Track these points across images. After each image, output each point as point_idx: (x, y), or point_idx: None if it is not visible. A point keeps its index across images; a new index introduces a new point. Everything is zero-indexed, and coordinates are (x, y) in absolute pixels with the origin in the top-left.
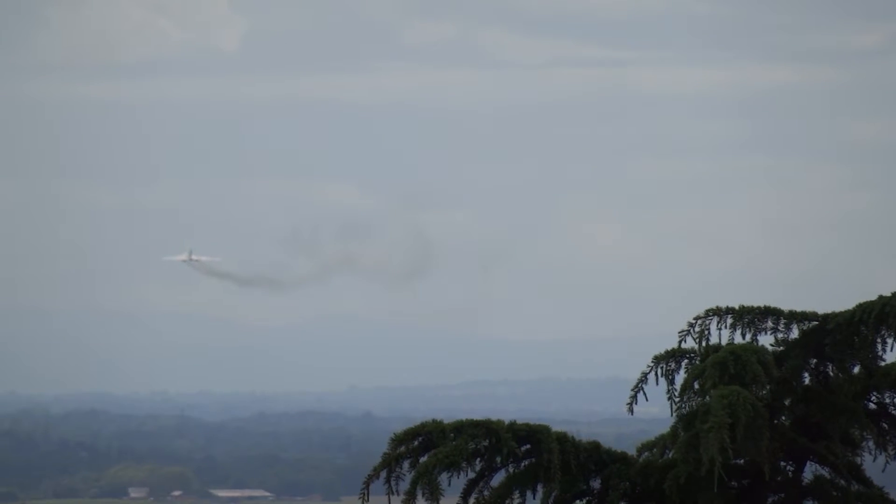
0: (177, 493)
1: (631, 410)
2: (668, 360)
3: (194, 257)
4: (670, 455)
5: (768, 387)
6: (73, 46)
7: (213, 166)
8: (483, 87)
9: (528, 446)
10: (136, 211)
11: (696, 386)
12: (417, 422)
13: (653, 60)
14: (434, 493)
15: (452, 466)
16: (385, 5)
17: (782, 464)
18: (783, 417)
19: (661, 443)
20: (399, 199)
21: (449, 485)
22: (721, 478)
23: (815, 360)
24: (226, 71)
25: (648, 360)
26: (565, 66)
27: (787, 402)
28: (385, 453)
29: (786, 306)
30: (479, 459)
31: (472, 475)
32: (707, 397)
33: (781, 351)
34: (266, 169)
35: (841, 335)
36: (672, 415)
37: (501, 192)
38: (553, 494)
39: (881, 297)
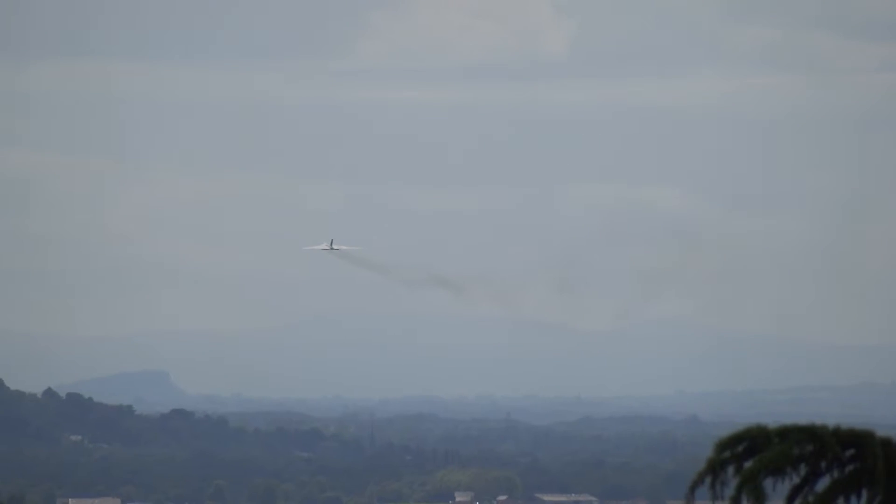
0: (502, 497)
1: None
2: None
3: (335, 246)
4: None
5: None
6: (395, 51)
7: (527, 170)
8: (806, 92)
9: (853, 451)
10: (450, 213)
11: None
12: (743, 426)
13: None
14: (759, 498)
15: (777, 472)
16: (710, 9)
17: None
18: None
19: None
20: (722, 204)
21: (774, 489)
22: None
23: None
24: (550, 75)
25: None
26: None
27: None
28: (709, 458)
29: None
30: (803, 464)
31: (795, 480)
32: None
33: None
34: (581, 173)
35: None
36: None
37: (827, 198)
38: (877, 499)
39: None
